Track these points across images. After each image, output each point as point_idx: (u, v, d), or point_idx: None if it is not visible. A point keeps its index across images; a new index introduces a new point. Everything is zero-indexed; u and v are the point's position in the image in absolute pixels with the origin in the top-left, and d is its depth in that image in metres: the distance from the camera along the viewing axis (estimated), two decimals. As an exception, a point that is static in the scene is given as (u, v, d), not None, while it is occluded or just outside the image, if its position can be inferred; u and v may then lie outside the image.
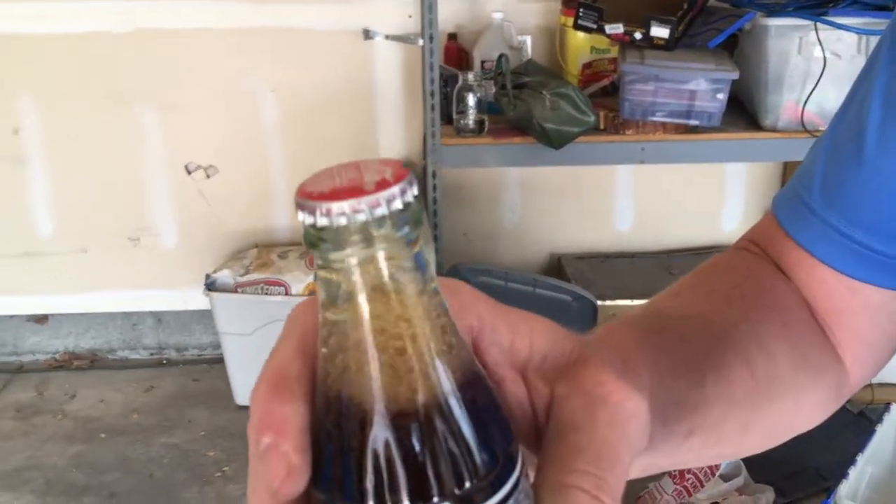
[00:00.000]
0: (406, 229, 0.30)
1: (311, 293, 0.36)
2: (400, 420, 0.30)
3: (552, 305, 2.59)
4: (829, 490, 2.06)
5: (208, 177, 2.91)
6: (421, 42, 2.48)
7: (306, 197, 0.29)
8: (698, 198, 3.06)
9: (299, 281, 2.63)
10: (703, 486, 2.28)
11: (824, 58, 2.30)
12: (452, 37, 2.74)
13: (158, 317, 3.06)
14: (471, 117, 2.44)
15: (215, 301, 2.67)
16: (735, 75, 2.36)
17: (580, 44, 2.64)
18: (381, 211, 0.29)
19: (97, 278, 2.97)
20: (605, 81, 2.63)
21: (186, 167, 2.90)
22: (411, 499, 0.30)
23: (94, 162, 2.87)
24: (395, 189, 0.29)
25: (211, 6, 2.75)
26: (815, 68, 2.33)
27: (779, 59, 2.37)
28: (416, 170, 2.80)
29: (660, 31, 2.43)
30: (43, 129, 2.84)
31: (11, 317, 3.04)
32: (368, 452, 0.30)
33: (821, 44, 2.30)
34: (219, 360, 2.90)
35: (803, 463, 2.37)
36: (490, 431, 0.31)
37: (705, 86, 2.39)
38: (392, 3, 2.76)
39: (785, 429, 0.54)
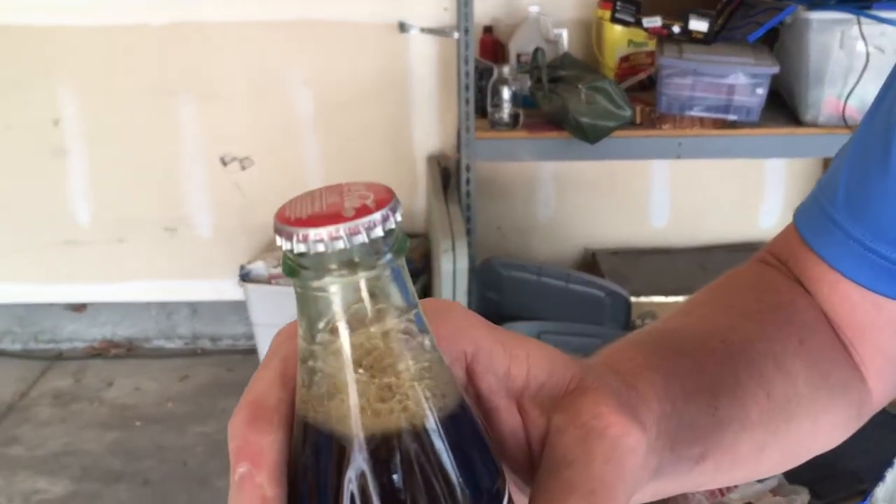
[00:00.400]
0: (388, 257, 0.29)
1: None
2: (378, 454, 0.29)
3: (585, 301, 2.57)
4: (865, 492, 2.02)
5: (244, 168, 2.93)
6: (456, 35, 2.47)
7: (284, 222, 0.28)
8: (735, 194, 3.01)
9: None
10: (736, 485, 2.25)
11: (867, 52, 2.25)
12: (488, 30, 2.72)
13: (193, 307, 3.10)
14: (505, 111, 2.42)
15: (249, 292, 2.69)
16: (775, 70, 2.32)
17: (617, 37, 2.61)
18: (361, 238, 0.28)
19: (134, 268, 3.01)
20: (642, 75, 2.60)
21: (222, 159, 2.92)
22: None
23: (132, 153, 2.90)
24: (377, 216, 0.28)
25: (248, -1, 2.77)
26: (857, 63, 2.28)
27: (820, 54, 2.32)
28: (450, 163, 2.80)
29: (698, 25, 2.40)
30: (82, 120, 2.87)
31: (50, 305, 3.09)
32: (345, 487, 0.29)
33: (864, 38, 2.25)
34: (252, 351, 2.92)
35: (839, 464, 2.33)
36: (474, 467, 0.30)
37: (744, 80, 2.35)
38: (428, -4, 2.75)
39: (804, 450, 0.52)
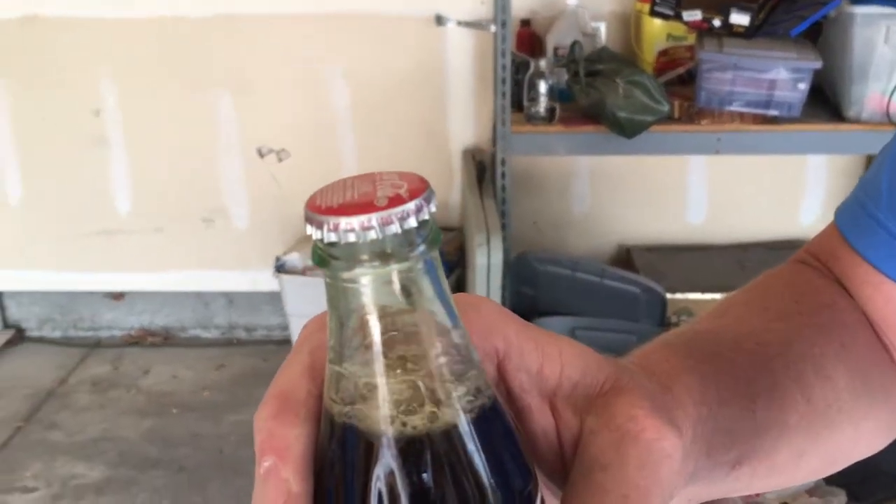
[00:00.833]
0: (422, 248, 0.28)
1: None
2: (408, 452, 0.28)
3: (620, 297, 2.55)
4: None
5: (280, 160, 2.94)
6: (493, 28, 2.46)
7: (315, 210, 0.27)
8: (775, 190, 2.97)
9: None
10: (771, 487, 2.22)
11: (914, 47, 2.20)
12: (525, 23, 2.71)
13: (229, 297, 3.12)
14: (542, 105, 2.41)
15: (284, 283, 2.71)
16: (818, 65, 2.28)
17: (656, 31, 2.58)
18: (394, 229, 0.27)
19: (171, 258, 3.04)
20: (681, 69, 2.57)
21: (259, 150, 2.94)
22: None
23: (171, 144, 2.93)
24: (411, 206, 0.27)
25: (286, -9, 2.78)
26: (903, 58, 2.23)
27: (864, 49, 2.28)
28: (486, 157, 2.79)
29: (740, 18, 2.36)
30: (122, 111, 2.91)
31: (90, 293, 3.14)
32: (373, 484, 0.28)
33: (910, 33, 2.20)
34: (286, 342, 2.94)
35: (878, 466, 2.29)
36: (505, 468, 0.30)
37: (786, 75, 2.32)
38: (465, -11, 2.74)
39: (843, 456, 0.51)
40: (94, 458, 2.51)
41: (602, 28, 2.67)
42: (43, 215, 3.02)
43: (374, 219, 0.26)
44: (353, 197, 0.28)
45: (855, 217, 0.54)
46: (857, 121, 2.37)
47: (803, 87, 2.30)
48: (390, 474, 0.28)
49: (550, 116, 2.41)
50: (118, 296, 3.16)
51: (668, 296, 2.56)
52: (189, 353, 3.06)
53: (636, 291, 2.56)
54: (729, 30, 2.35)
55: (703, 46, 2.33)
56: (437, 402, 0.29)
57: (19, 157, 2.97)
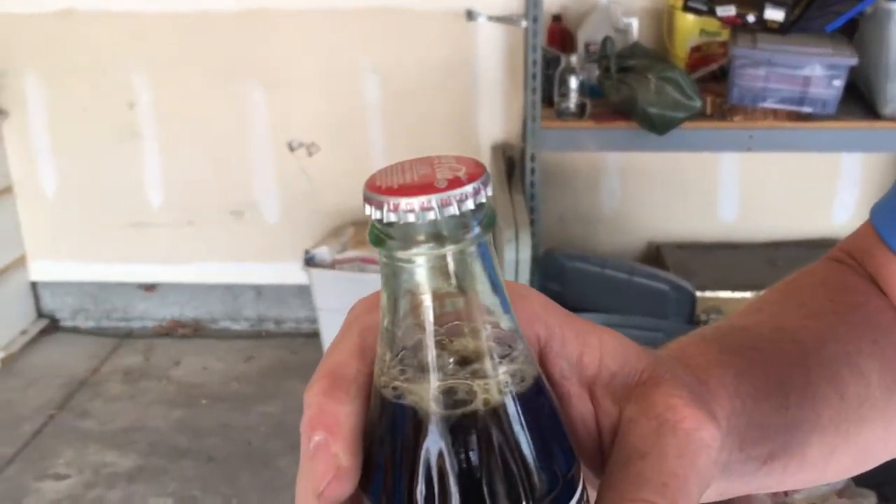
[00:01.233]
0: (477, 231, 0.28)
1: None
2: (456, 431, 0.29)
3: (649, 294, 2.53)
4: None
5: (310, 154, 2.96)
6: (524, 23, 2.45)
7: (375, 191, 0.28)
8: (808, 188, 2.94)
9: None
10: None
11: (952, 44, 2.17)
12: (557, 18, 2.70)
13: (258, 290, 3.15)
14: (572, 100, 2.40)
15: (313, 276, 2.72)
16: (853, 61, 2.25)
17: (689, 26, 2.56)
18: (452, 210, 0.27)
19: (202, 250, 3.07)
20: (714, 66, 2.55)
21: (289, 144, 2.96)
22: None
23: (202, 137, 2.96)
24: (469, 188, 0.27)
25: (318, -14, 2.79)
26: (941, 55, 2.20)
27: (902, 45, 2.25)
28: (515, 152, 2.79)
29: (774, 14, 2.34)
30: (155, 104, 2.94)
31: (122, 284, 3.17)
32: (421, 462, 0.29)
33: (949, 29, 2.17)
34: (315, 335, 2.96)
35: (910, 469, 2.27)
36: (551, 451, 0.30)
37: (821, 72, 2.29)
38: (496, -16, 2.74)
39: (874, 455, 0.50)
40: (125, 447, 2.55)
41: (634, 23, 2.66)
42: (77, 207, 3.06)
43: (433, 200, 0.27)
44: (413, 179, 0.28)
45: (891, 215, 0.53)
46: (892, 119, 2.34)
47: (838, 83, 2.28)
48: (439, 453, 0.29)
49: (581, 112, 2.41)
50: (150, 287, 3.19)
51: (698, 294, 2.55)
52: (219, 345, 3.08)
53: (665, 289, 2.54)
54: (763, 25, 2.33)
55: (737, 42, 2.32)
56: (487, 383, 0.29)
57: (55, 149, 3.01)
